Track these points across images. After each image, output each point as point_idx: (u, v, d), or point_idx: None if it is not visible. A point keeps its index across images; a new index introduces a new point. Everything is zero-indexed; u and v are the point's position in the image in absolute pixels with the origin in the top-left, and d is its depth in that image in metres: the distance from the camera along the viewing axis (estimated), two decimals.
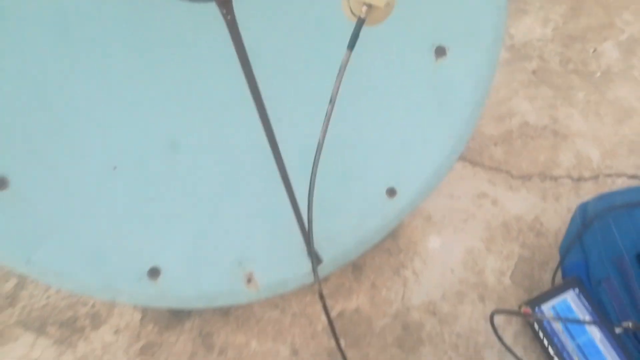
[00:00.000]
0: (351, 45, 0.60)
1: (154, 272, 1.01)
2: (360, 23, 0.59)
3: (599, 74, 1.53)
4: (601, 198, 1.10)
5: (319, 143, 0.66)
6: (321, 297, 0.82)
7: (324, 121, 0.64)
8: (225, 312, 1.13)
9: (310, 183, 0.74)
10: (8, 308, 1.18)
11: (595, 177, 1.28)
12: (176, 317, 1.14)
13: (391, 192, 1.10)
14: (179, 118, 0.96)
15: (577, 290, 1.01)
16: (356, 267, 1.17)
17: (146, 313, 1.15)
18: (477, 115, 1.11)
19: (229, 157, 1.01)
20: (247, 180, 1.04)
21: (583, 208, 1.11)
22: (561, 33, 1.67)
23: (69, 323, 1.14)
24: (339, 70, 0.61)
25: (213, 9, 0.73)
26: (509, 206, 1.24)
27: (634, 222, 1.02)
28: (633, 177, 1.26)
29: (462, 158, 1.35)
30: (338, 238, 1.11)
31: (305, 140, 0.93)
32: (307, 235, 0.87)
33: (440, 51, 1.05)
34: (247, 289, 1.06)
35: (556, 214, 1.21)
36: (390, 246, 1.20)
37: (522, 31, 1.69)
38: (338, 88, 0.62)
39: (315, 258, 1.06)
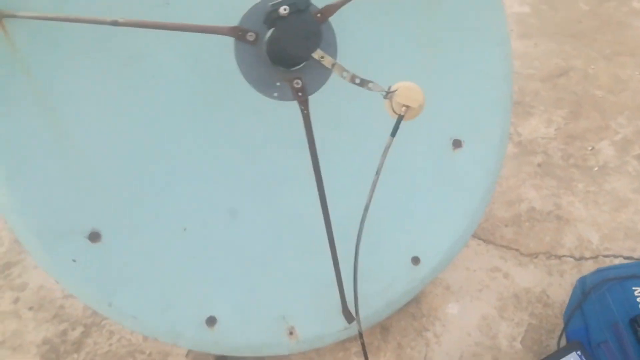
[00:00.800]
0: (393, 134, 0.82)
1: (211, 321, 1.17)
2: (400, 119, 0.81)
3: (596, 168, 1.75)
4: (597, 272, 1.27)
5: (365, 206, 0.86)
6: (360, 336, 0.97)
7: (370, 189, 0.85)
8: None
9: (356, 245, 0.93)
10: (73, 354, 1.34)
11: (595, 257, 1.45)
12: None
13: (415, 261, 1.28)
14: (239, 190, 1.16)
15: (579, 352, 1.15)
16: (384, 328, 1.32)
17: None
18: (488, 198, 1.31)
19: (279, 225, 1.20)
20: (292, 247, 1.22)
21: (582, 281, 1.27)
22: (563, 133, 1.91)
23: None
24: (384, 151, 0.83)
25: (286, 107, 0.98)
26: (518, 280, 1.41)
27: (625, 292, 1.18)
28: (628, 258, 1.43)
29: (477, 237, 1.53)
30: (369, 300, 1.27)
31: (346, 211, 1.14)
32: (353, 293, 1.04)
33: (457, 143, 1.27)
34: (288, 341, 1.21)
35: (561, 288, 1.37)
36: (414, 311, 1.35)
37: (529, 130, 1.94)
38: (382, 163, 0.83)
39: (349, 315, 1.23)
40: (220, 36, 0.90)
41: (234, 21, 0.89)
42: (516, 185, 1.70)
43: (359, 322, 1.02)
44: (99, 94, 1.00)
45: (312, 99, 0.94)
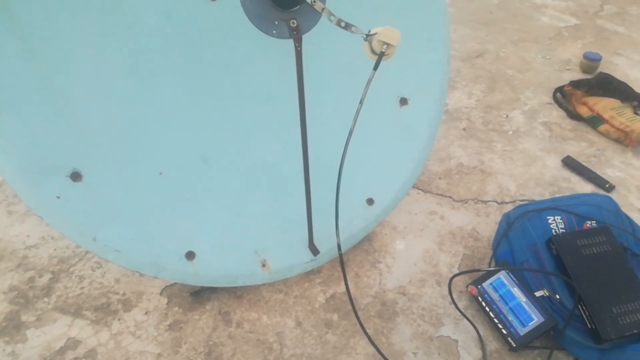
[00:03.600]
0: (375, 68, 0.98)
1: (190, 255, 1.26)
2: (381, 54, 0.97)
3: (511, 132, 2.03)
4: (519, 207, 1.52)
5: (350, 130, 1.01)
6: (341, 262, 1.13)
7: (354, 116, 1.00)
8: (239, 296, 1.39)
9: (337, 181, 1.08)
10: (44, 298, 1.36)
11: (513, 202, 1.71)
12: (197, 301, 1.38)
13: (370, 201, 1.45)
14: (211, 137, 1.24)
15: (506, 270, 1.39)
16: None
17: (171, 298, 1.38)
18: (431, 147, 1.51)
19: (250, 170, 1.30)
20: (263, 189, 1.33)
21: (507, 215, 1.51)
22: (482, 103, 2.19)
23: (103, 307, 1.35)
24: (367, 82, 0.98)
25: (269, 48, 1.10)
26: (453, 220, 1.63)
27: (542, 220, 1.43)
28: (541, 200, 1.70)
29: (417, 187, 1.74)
30: (331, 235, 1.42)
31: (316, 154, 1.28)
32: (335, 220, 1.18)
33: (403, 101, 1.45)
34: (261, 272, 1.34)
35: (487, 226, 1.61)
36: (367, 248, 1.53)
37: (454, 101, 2.19)
38: (365, 94, 0.99)
39: (315, 249, 1.38)
40: None
41: None
42: (446, 145, 1.94)
43: (339, 247, 1.17)
44: (80, 39, 1.04)
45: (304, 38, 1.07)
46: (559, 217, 1.44)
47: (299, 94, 1.11)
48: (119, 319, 1.32)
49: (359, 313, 1.36)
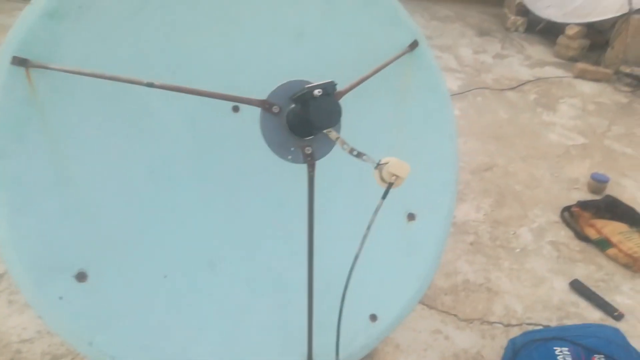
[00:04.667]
0: (384, 197, 1.01)
1: None
2: (390, 185, 1.01)
3: (518, 250, 2.03)
4: (525, 334, 1.49)
5: (355, 255, 1.02)
6: None
7: (361, 241, 1.01)
8: None
9: (344, 290, 1.08)
10: None
11: (520, 325, 1.67)
12: None
13: (373, 318, 1.43)
14: (219, 242, 1.27)
15: None
16: None
17: None
18: (437, 264, 1.51)
19: (255, 278, 1.31)
20: (266, 298, 1.32)
21: (513, 341, 1.48)
22: (490, 218, 2.21)
23: None
24: (375, 210, 1.01)
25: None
26: (457, 341, 1.59)
27: (548, 350, 1.39)
28: (546, 325, 1.66)
29: (422, 302, 1.72)
30: (331, 353, 1.38)
31: (320, 269, 1.28)
32: (336, 341, 1.16)
33: (411, 216, 1.47)
34: None
35: (492, 350, 1.57)
36: None
37: (462, 213, 2.22)
38: (373, 220, 1.01)
39: None
40: (218, 104, 1.07)
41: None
42: (453, 259, 1.93)
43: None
44: (107, 142, 1.10)
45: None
46: (567, 349, 1.40)
47: (308, 218, 1.14)
48: None
49: None
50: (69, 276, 1.12)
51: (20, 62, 0.98)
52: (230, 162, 1.22)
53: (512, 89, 3.55)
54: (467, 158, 2.67)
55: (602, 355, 1.40)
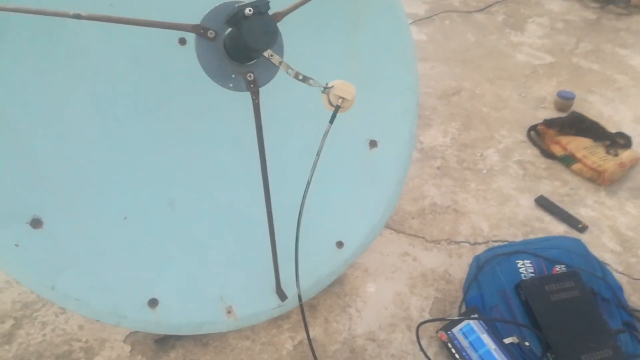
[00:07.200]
0: (331, 121, 0.98)
1: (153, 302, 1.24)
2: (337, 108, 0.98)
3: (485, 171, 2.04)
4: (489, 250, 1.52)
5: (307, 182, 1.00)
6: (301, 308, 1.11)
7: (312, 168, 0.99)
8: (204, 344, 1.36)
9: (298, 216, 1.07)
10: (5, 345, 1.32)
11: (486, 242, 1.71)
12: (162, 349, 1.34)
13: (339, 244, 1.44)
14: (177, 182, 1.24)
15: (476, 316, 1.37)
16: (312, 306, 1.46)
17: (134, 346, 1.34)
18: (400, 189, 1.51)
19: (216, 215, 1.29)
20: (229, 234, 1.32)
21: (477, 258, 1.51)
22: (457, 141, 2.21)
23: (65, 356, 1.31)
24: (323, 135, 0.98)
25: (234, 96, 1.10)
26: (425, 262, 1.62)
27: (511, 264, 1.43)
28: (512, 242, 1.70)
29: (389, 227, 1.74)
30: (299, 280, 1.40)
31: (280, 201, 1.27)
32: (295, 266, 1.17)
33: (373, 143, 1.46)
34: (226, 319, 1.31)
35: (460, 267, 1.60)
36: (338, 291, 1.51)
37: (429, 139, 2.21)
38: (322, 146, 0.99)
39: (282, 294, 1.36)
40: (163, 37, 1.01)
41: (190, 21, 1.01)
42: (420, 184, 1.94)
43: (298, 287, 1.15)
44: (44, 84, 1.04)
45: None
46: (529, 261, 1.43)
47: (258, 145, 1.11)
48: None
49: None
50: (23, 223, 1.09)
51: None
52: (181, 99, 1.18)
53: (480, 10, 3.47)
54: (434, 83, 2.63)
55: (564, 265, 1.44)
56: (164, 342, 1.35)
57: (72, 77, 1.07)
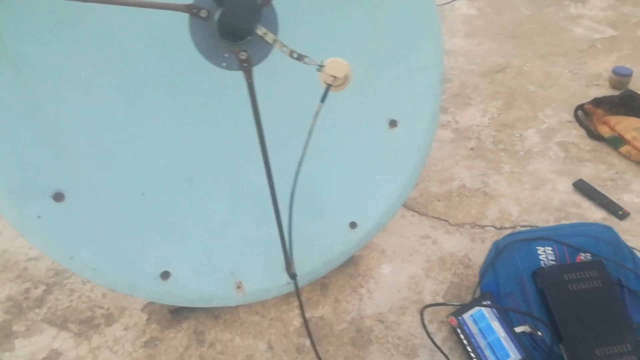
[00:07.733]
0: (322, 100, 0.97)
1: (165, 275, 1.29)
2: (328, 87, 0.96)
3: (522, 152, 1.94)
4: (509, 235, 1.45)
5: (299, 162, 1.00)
6: (298, 297, 1.12)
7: (303, 148, 0.99)
8: (216, 316, 1.41)
9: (290, 194, 1.08)
10: (36, 309, 1.44)
11: (514, 227, 1.63)
12: (175, 319, 1.40)
13: (353, 225, 1.43)
14: (198, 161, 1.27)
15: (489, 302, 1.32)
16: (323, 285, 1.47)
17: (151, 315, 1.41)
18: (420, 171, 1.47)
19: (233, 193, 1.32)
20: (244, 212, 1.34)
21: (496, 243, 1.45)
22: (496, 121, 2.11)
23: (87, 321, 1.40)
24: (314, 115, 0.97)
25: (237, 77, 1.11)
26: (445, 245, 1.58)
27: (530, 250, 1.36)
28: (537, 227, 1.62)
29: (412, 209, 1.70)
30: (310, 260, 1.41)
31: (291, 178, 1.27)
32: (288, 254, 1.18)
33: (393, 123, 1.42)
34: (236, 294, 1.35)
35: (481, 253, 1.55)
36: (351, 271, 1.51)
37: (466, 118, 2.13)
38: (313, 126, 0.98)
39: (294, 273, 1.37)
40: (176, 14, 1.03)
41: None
42: (450, 165, 1.88)
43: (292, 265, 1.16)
44: (71, 68, 1.09)
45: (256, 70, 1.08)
46: (550, 248, 1.36)
47: (256, 126, 1.11)
48: (99, 333, 1.37)
49: (333, 339, 1.35)
50: (47, 197, 1.17)
51: None
52: (203, 80, 1.20)
53: None
54: (480, 60, 2.52)
55: (589, 253, 1.35)
56: (178, 312, 1.41)
57: (99, 60, 1.11)
